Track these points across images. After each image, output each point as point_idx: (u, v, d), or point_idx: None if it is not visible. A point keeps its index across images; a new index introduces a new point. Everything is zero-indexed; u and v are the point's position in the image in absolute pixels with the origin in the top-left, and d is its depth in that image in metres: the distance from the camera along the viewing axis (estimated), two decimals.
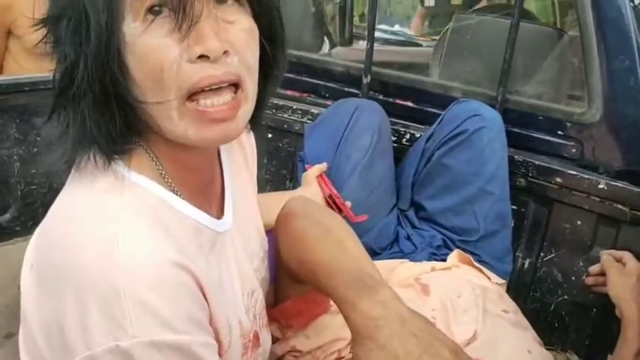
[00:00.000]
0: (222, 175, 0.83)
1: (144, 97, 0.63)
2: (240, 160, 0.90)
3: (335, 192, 1.25)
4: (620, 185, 1.30)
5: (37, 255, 0.67)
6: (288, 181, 1.77)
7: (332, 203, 1.25)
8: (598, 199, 1.32)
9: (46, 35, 0.64)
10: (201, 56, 0.61)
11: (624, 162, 1.32)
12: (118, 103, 0.63)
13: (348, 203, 1.32)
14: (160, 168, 0.70)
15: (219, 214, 0.79)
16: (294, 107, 1.69)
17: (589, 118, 1.32)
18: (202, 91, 0.62)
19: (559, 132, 1.38)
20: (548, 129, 1.40)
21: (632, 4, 1.24)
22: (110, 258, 0.58)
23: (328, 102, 1.70)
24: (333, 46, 2.67)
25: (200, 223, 0.72)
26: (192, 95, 0.62)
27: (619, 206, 1.30)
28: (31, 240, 0.70)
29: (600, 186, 1.31)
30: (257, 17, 0.67)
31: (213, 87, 0.63)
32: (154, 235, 0.63)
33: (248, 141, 0.93)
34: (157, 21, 0.60)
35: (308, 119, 1.66)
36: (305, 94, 1.78)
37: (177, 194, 0.70)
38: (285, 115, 1.70)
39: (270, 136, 1.76)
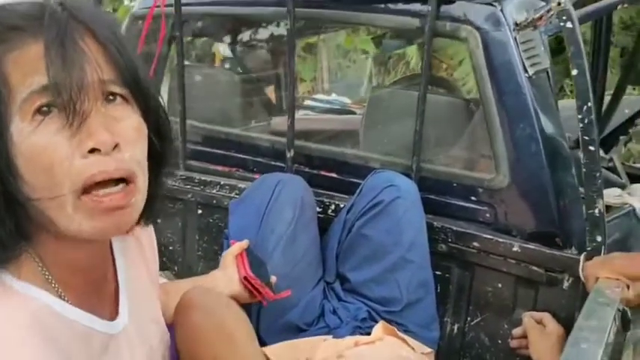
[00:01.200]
0: (116, 272, 0.82)
1: (34, 194, 0.62)
2: (137, 254, 0.89)
3: (250, 273, 1.23)
4: (533, 247, 1.33)
5: None
6: (219, 257, 1.75)
7: (249, 285, 1.24)
8: (514, 261, 1.35)
9: None
10: (92, 150, 0.62)
11: (535, 224, 1.36)
12: (6, 205, 0.63)
13: (274, 278, 1.31)
14: (47, 274, 0.68)
15: (114, 314, 0.78)
16: (222, 183, 1.70)
17: (498, 183, 1.37)
18: (96, 184, 0.63)
19: (472, 197, 1.42)
20: (462, 195, 1.44)
21: (527, 75, 1.30)
22: None
23: (256, 176, 1.72)
24: (271, 115, 2.73)
25: (90, 328, 0.71)
26: (86, 189, 0.63)
27: (534, 268, 1.33)
28: None
29: (514, 249, 1.34)
30: (145, 115, 0.69)
31: (106, 179, 0.63)
32: (38, 349, 0.61)
33: (145, 234, 0.92)
34: (45, 120, 0.61)
35: (236, 194, 1.67)
36: (234, 169, 1.79)
37: (64, 299, 0.69)
38: (214, 191, 1.71)
39: (200, 212, 1.75)
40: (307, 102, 3.08)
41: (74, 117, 0.61)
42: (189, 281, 1.21)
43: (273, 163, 1.73)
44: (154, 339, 0.87)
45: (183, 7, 1.64)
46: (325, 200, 1.58)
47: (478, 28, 1.33)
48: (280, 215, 1.45)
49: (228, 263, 1.28)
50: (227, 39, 2.17)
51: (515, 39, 1.31)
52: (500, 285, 1.40)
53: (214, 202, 1.71)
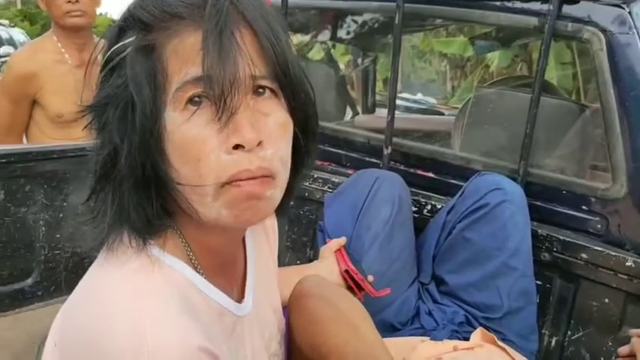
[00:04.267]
0: (246, 258, 0.83)
1: (180, 181, 0.64)
2: (263, 240, 0.90)
3: (352, 267, 1.23)
4: None
5: (61, 334, 0.67)
6: (308, 249, 1.76)
7: (349, 279, 1.23)
8: (626, 277, 1.28)
9: (92, 121, 0.67)
10: (236, 146, 0.62)
11: None
12: (155, 187, 0.65)
13: (371, 277, 1.29)
14: (189, 250, 0.70)
15: (240, 297, 0.79)
16: (315, 176, 1.71)
17: (614, 193, 1.30)
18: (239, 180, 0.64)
19: (583, 207, 1.36)
20: (571, 203, 1.38)
21: None
22: (138, 343, 0.58)
23: (349, 171, 1.71)
24: (356, 113, 2.72)
25: (223, 307, 0.72)
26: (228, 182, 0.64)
27: None
28: (57, 316, 0.70)
29: (628, 264, 1.27)
30: (292, 111, 0.69)
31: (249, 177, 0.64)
32: (183, 320, 0.62)
33: (270, 222, 0.93)
34: (196, 112, 0.62)
35: (329, 188, 1.67)
36: (326, 163, 1.79)
37: (202, 276, 0.70)
38: (306, 184, 1.72)
39: (291, 203, 1.76)
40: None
41: (223, 111, 0.61)
42: (292, 269, 1.21)
43: (367, 159, 1.72)
44: (272, 326, 0.88)
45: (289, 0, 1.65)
46: (421, 200, 1.56)
47: (603, 30, 1.27)
48: (377, 212, 1.43)
49: (328, 256, 1.28)
50: (327, 33, 2.17)
51: None
52: (607, 300, 1.33)
53: (306, 194, 1.72)
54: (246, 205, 0.65)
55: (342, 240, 1.34)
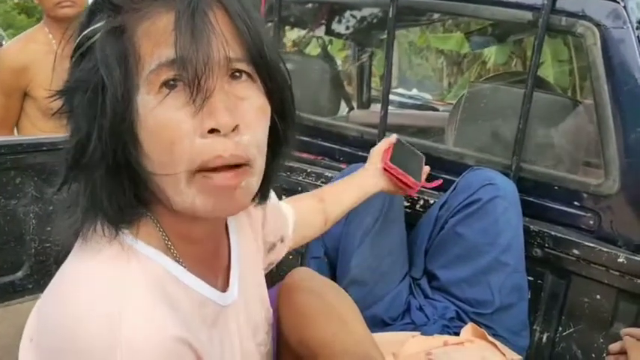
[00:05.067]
0: (229, 246, 0.82)
1: (153, 168, 0.63)
2: (248, 229, 0.89)
3: (389, 163, 1.24)
4: None
5: (37, 328, 0.66)
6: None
7: (390, 174, 1.24)
8: (618, 273, 1.28)
9: (62, 106, 0.65)
10: (212, 130, 0.61)
11: None
12: (128, 174, 0.63)
13: (427, 168, 1.33)
14: (166, 238, 0.69)
15: (224, 286, 0.78)
16: (308, 170, 1.70)
17: (606, 189, 1.30)
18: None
19: (575, 203, 1.35)
20: (563, 199, 1.37)
21: None
22: (111, 334, 0.57)
23: (342, 165, 1.70)
24: (351, 108, 2.71)
25: (204, 297, 0.71)
26: (200, 170, 0.62)
27: None
28: (33, 310, 0.69)
29: (620, 260, 1.27)
30: (269, 94, 0.67)
31: (221, 165, 0.63)
32: (158, 310, 0.61)
33: (255, 211, 0.92)
34: (170, 95, 0.61)
35: (321, 182, 1.66)
36: (319, 157, 1.78)
37: (182, 265, 0.69)
38: (299, 178, 1.71)
39: (284, 198, 1.76)
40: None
41: (197, 93, 0.60)
42: (340, 184, 1.25)
43: (360, 153, 1.71)
44: (258, 317, 0.87)
45: None
46: (414, 195, 1.55)
47: (598, 25, 1.26)
48: (369, 208, 1.42)
49: (376, 157, 1.29)
50: (322, 27, 2.17)
51: (638, 37, 1.24)
52: (599, 297, 1.32)
53: (299, 188, 1.71)
54: (219, 195, 0.64)
55: (393, 137, 1.34)
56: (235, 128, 0.62)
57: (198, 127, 0.61)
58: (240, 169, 0.64)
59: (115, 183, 0.63)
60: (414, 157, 1.30)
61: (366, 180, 1.25)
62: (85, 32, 0.63)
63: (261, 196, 0.75)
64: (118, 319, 0.58)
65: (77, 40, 0.64)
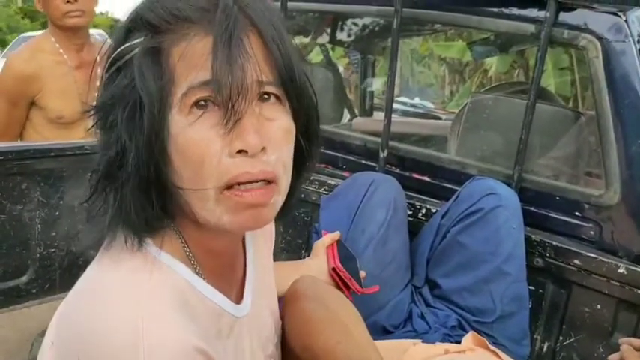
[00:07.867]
0: (245, 259, 0.84)
1: (182, 184, 0.64)
2: (262, 241, 0.91)
3: (339, 265, 1.22)
4: None
5: (58, 333, 0.67)
6: (303, 251, 1.77)
7: (336, 276, 1.23)
8: (618, 283, 1.29)
9: (97, 121, 0.67)
10: (240, 151, 0.62)
11: None
12: (157, 188, 0.65)
13: (363, 273, 1.29)
14: (188, 250, 0.70)
15: (239, 298, 0.79)
16: (312, 178, 1.71)
17: (607, 200, 1.31)
18: (239, 183, 0.64)
19: (576, 213, 1.37)
20: (564, 209, 1.38)
21: None
22: (134, 341, 0.58)
23: (345, 174, 1.72)
24: (354, 116, 2.73)
25: (221, 308, 0.73)
26: (229, 186, 0.64)
27: None
28: (55, 315, 0.71)
29: (620, 270, 1.28)
30: (295, 115, 0.69)
31: (250, 180, 0.64)
32: (179, 320, 0.63)
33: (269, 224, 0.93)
34: (202, 115, 0.62)
35: (325, 190, 1.67)
36: (322, 166, 1.80)
37: (201, 277, 0.71)
38: (303, 186, 1.72)
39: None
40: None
41: (230, 116, 0.62)
42: (285, 264, 1.21)
43: (363, 162, 1.73)
44: (269, 329, 0.88)
45: (288, 3, 1.65)
46: (416, 204, 1.56)
47: (599, 38, 1.28)
48: (373, 216, 1.44)
49: (319, 253, 1.27)
50: (326, 36, 2.18)
51: (639, 51, 1.26)
52: (599, 307, 1.33)
53: (302, 196, 1.72)
54: (248, 213, 0.65)
55: (336, 235, 1.32)
56: (263, 150, 0.64)
57: (227, 146, 0.62)
58: (270, 187, 0.65)
59: (144, 196, 0.65)
60: (352, 258, 1.27)
61: (309, 272, 1.17)
62: (122, 48, 0.65)
63: (282, 213, 0.75)
64: (140, 328, 0.59)
65: (113, 56, 0.66)
